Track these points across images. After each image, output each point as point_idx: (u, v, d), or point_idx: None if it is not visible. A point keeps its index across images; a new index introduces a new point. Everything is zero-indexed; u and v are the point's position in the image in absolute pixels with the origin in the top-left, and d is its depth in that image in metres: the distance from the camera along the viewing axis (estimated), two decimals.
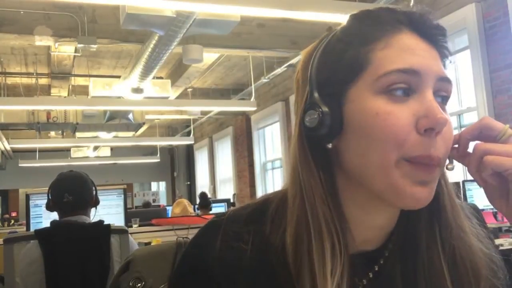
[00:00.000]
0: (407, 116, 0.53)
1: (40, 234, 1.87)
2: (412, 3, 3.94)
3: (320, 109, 0.56)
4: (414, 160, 0.53)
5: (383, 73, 0.54)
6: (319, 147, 0.57)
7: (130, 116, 7.93)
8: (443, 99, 0.57)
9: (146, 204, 9.05)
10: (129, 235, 2.05)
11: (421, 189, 0.54)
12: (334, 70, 0.57)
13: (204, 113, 9.14)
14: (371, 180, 0.55)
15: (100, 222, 1.99)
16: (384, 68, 0.54)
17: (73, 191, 2.07)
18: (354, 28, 0.58)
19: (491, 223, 3.32)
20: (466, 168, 0.58)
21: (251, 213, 0.61)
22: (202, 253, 0.59)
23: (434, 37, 0.58)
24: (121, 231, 1.96)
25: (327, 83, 0.57)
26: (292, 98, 6.99)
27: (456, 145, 0.58)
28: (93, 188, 2.16)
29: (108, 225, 1.97)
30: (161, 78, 7.11)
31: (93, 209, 2.14)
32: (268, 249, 0.58)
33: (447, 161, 0.57)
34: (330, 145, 0.57)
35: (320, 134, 0.56)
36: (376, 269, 0.61)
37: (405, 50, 0.55)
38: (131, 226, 3.56)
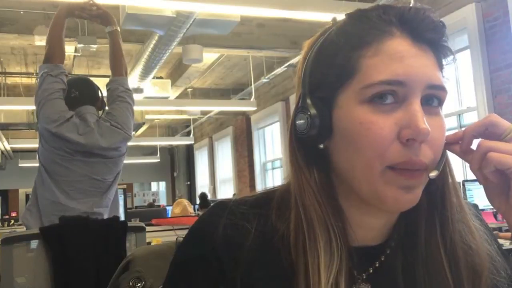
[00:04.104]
0: (389, 126, 0.53)
1: (47, 232, 1.65)
2: (412, 3, 3.94)
3: (309, 113, 0.57)
4: (397, 166, 0.54)
5: (369, 83, 0.54)
6: (312, 146, 0.59)
7: None
8: (436, 102, 0.56)
9: (150, 205, 9.49)
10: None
11: (404, 194, 0.55)
12: (325, 74, 0.58)
13: (204, 113, 9.14)
14: (356, 184, 0.56)
15: (116, 218, 1.85)
16: (370, 79, 0.54)
17: (79, 86, 2.16)
18: (347, 30, 0.58)
19: (491, 223, 3.32)
20: (468, 165, 0.58)
21: (257, 199, 0.63)
22: (208, 227, 0.60)
23: (429, 39, 0.56)
24: (138, 229, 1.81)
25: (318, 87, 0.58)
26: (292, 98, 7.00)
27: (460, 142, 0.58)
28: (99, 90, 2.22)
29: (125, 222, 1.83)
30: (161, 78, 7.11)
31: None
32: (273, 233, 0.59)
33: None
34: (321, 146, 0.58)
35: (310, 136, 0.58)
36: (377, 265, 0.61)
37: (393, 58, 0.54)
38: None
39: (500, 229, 3.26)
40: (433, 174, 0.56)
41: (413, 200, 0.56)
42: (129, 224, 1.83)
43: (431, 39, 0.56)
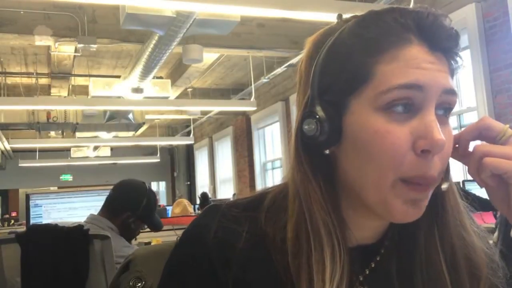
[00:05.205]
0: (405, 135, 0.52)
1: (19, 238, 1.82)
2: (412, 3, 3.93)
3: (319, 118, 0.55)
4: (409, 180, 0.53)
5: (386, 89, 0.52)
6: (317, 152, 0.57)
7: (130, 116, 7.94)
8: (446, 110, 0.56)
9: None
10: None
11: (412, 208, 0.54)
12: (337, 77, 0.56)
13: (204, 113, 9.15)
14: (364, 193, 0.55)
15: (79, 226, 1.89)
16: (386, 84, 0.52)
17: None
18: (361, 34, 0.55)
19: (491, 222, 3.31)
20: (467, 168, 0.58)
21: (249, 202, 0.63)
22: (200, 231, 0.60)
23: (445, 47, 0.55)
24: (102, 237, 1.86)
25: (329, 90, 0.56)
26: (292, 98, 6.99)
27: (457, 145, 0.58)
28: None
29: (87, 231, 1.85)
30: (161, 78, 7.10)
31: None
32: (264, 236, 0.59)
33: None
34: (327, 152, 0.57)
35: (317, 142, 0.56)
36: (373, 265, 0.61)
37: (410, 64, 0.53)
38: None
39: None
40: (444, 186, 0.56)
41: (419, 213, 0.55)
42: (91, 232, 1.86)
43: (447, 47, 0.55)
